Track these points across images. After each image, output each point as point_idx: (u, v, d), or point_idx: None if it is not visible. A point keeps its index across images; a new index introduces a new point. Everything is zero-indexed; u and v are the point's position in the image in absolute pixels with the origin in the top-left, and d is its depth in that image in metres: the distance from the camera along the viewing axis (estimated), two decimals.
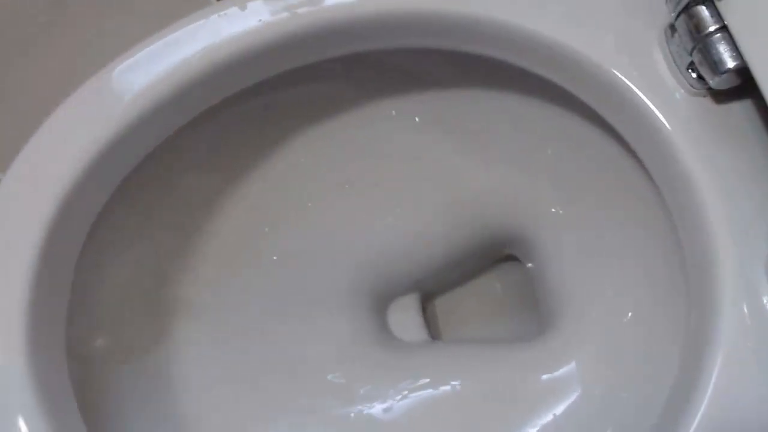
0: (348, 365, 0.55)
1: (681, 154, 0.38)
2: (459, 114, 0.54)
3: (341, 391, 0.54)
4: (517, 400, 0.53)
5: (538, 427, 0.51)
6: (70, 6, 0.72)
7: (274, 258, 0.56)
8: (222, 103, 0.45)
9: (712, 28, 0.36)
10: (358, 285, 0.58)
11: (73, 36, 0.73)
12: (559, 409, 0.51)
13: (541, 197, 0.56)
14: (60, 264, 0.41)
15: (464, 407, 0.53)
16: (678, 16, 0.38)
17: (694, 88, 0.39)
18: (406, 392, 0.54)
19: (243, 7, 0.41)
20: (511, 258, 0.64)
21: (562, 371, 0.52)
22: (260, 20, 0.41)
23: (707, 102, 0.39)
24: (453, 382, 0.54)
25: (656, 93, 0.39)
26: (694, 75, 0.39)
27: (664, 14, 0.39)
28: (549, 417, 0.51)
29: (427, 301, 0.65)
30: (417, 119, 0.55)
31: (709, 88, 0.39)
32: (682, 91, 0.39)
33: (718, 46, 0.36)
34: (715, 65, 0.36)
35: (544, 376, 0.52)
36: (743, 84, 0.38)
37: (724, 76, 0.36)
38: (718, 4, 0.36)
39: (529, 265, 0.61)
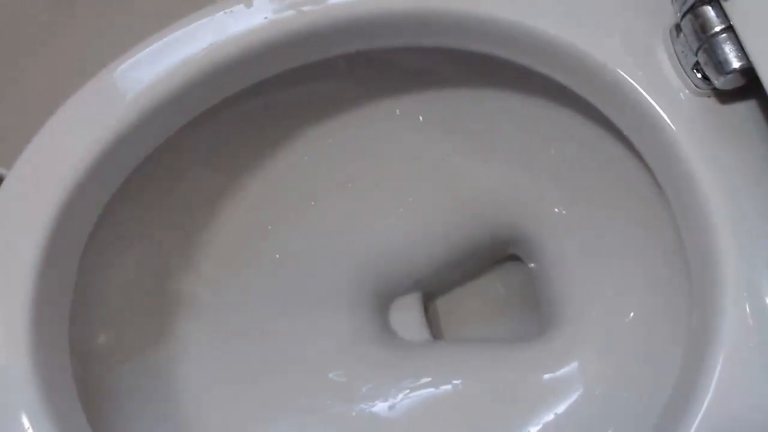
0: (349, 364, 0.55)
1: (685, 154, 0.39)
2: (462, 113, 0.54)
3: (343, 390, 0.54)
4: (519, 399, 0.53)
5: (539, 427, 0.51)
6: (72, 5, 0.72)
7: (276, 257, 0.56)
8: (224, 101, 0.45)
9: (717, 29, 0.36)
10: (359, 284, 0.58)
11: (75, 35, 0.73)
12: (561, 409, 0.51)
13: (544, 197, 0.56)
14: (63, 263, 0.41)
15: (466, 406, 0.53)
16: (684, 16, 0.38)
17: (698, 88, 0.39)
18: (408, 391, 0.54)
19: (249, 5, 0.41)
20: (513, 258, 0.65)
21: (563, 371, 0.52)
22: (266, 18, 0.41)
23: (712, 102, 0.39)
24: (454, 381, 0.54)
25: (661, 93, 0.39)
26: (699, 75, 0.39)
27: (670, 14, 0.40)
28: (550, 416, 0.51)
29: (428, 300, 0.65)
30: (420, 118, 0.55)
31: (714, 89, 0.39)
32: (687, 91, 0.39)
33: (723, 46, 0.36)
34: (721, 65, 0.36)
35: (546, 376, 0.53)
36: (748, 84, 0.38)
37: (729, 76, 0.37)
38: (724, 5, 0.36)
39: (532, 265, 0.61)
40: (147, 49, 0.42)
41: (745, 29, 0.35)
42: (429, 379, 0.55)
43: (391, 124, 0.54)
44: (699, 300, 0.39)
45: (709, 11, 0.37)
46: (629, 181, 0.50)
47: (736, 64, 0.36)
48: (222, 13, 0.42)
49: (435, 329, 0.64)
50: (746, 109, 0.39)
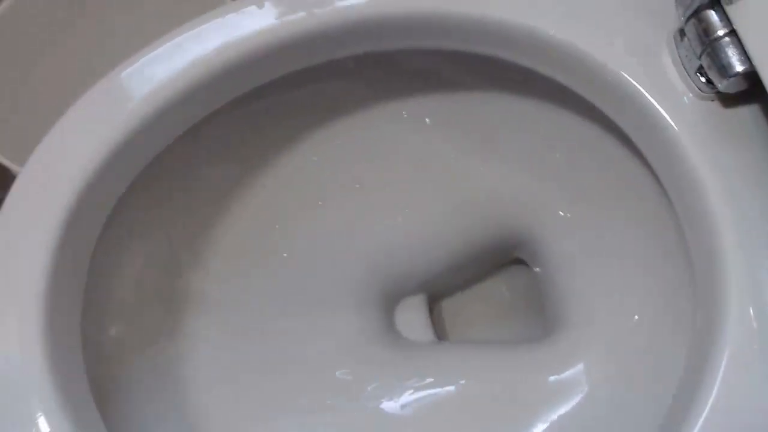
0: (355, 363, 0.55)
1: (689, 157, 0.39)
2: (469, 116, 0.54)
3: (348, 389, 0.54)
4: (523, 400, 0.53)
5: (543, 429, 0.51)
6: (83, 5, 0.72)
7: (284, 256, 0.56)
8: (233, 101, 0.45)
9: (721, 32, 0.37)
10: (366, 284, 0.58)
11: (85, 35, 0.73)
12: (566, 411, 0.51)
13: (549, 200, 0.56)
14: (74, 260, 0.41)
15: (470, 407, 0.53)
16: (687, 20, 0.38)
17: (702, 91, 0.39)
18: (413, 391, 0.54)
19: (260, 6, 0.42)
20: (518, 262, 0.65)
21: (568, 373, 0.52)
22: (277, 19, 0.41)
23: (715, 106, 0.40)
24: (459, 382, 0.54)
25: (665, 96, 0.40)
26: (702, 79, 0.39)
27: (674, 18, 0.40)
28: (555, 418, 0.51)
29: (434, 302, 0.65)
30: (428, 120, 0.55)
31: (718, 92, 0.39)
32: (691, 94, 0.40)
33: (726, 50, 0.37)
34: (724, 69, 0.37)
35: (551, 378, 0.53)
36: (751, 88, 0.38)
37: (732, 79, 0.37)
38: (727, 9, 0.36)
39: (537, 269, 0.61)
40: (158, 50, 0.42)
41: (748, 33, 0.35)
42: (434, 379, 0.55)
43: (398, 125, 0.55)
44: (703, 300, 0.39)
45: (713, 15, 0.37)
46: (635, 185, 0.50)
47: (739, 67, 0.36)
48: (233, 13, 0.42)
49: (440, 331, 0.64)
50: (749, 112, 0.40)
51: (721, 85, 0.37)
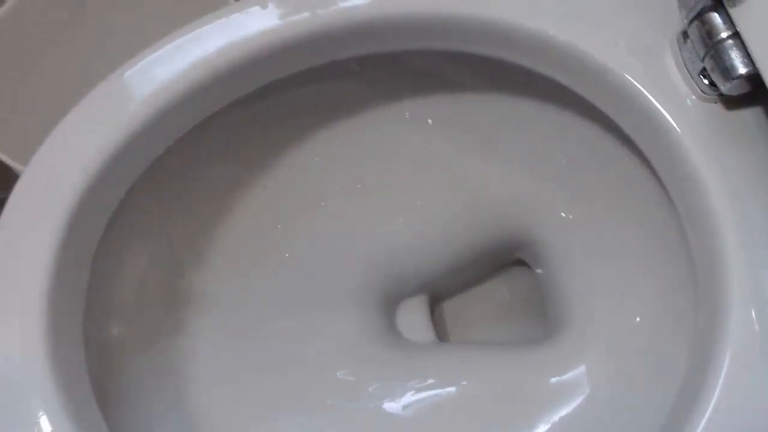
0: (356, 363, 0.55)
1: (691, 158, 0.39)
2: (471, 116, 0.54)
3: (350, 389, 0.54)
4: (525, 402, 0.53)
5: (544, 430, 0.51)
6: (83, 5, 0.72)
7: (286, 256, 0.56)
8: (236, 101, 0.45)
9: (724, 35, 0.37)
10: (367, 284, 0.58)
11: (88, 35, 0.73)
12: (567, 412, 0.51)
13: (551, 201, 0.56)
14: (77, 259, 0.41)
15: (471, 408, 0.54)
16: (691, 22, 0.38)
17: (705, 94, 0.39)
18: (414, 391, 0.54)
19: (264, 6, 0.42)
20: (519, 263, 0.65)
21: (570, 374, 0.52)
22: (280, 19, 0.41)
23: (718, 108, 0.40)
24: (461, 383, 0.54)
25: (668, 98, 0.40)
26: (705, 81, 0.39)
27: (677, 21, 0.40)
28: (556, 419, 0.51)
29: (435, 303, 0.65)
30: (430, 121, 0.55)
31: (721, 95, 0.39)
32: (694, 96, 0.40)
33: (730, 52, 0.37)
34: (727, 71, 0.37)
35: (553, 379, 0.53)
36: (753, 90, 0.38)
37: (735, 82, 0.37)
38: (731, 11, 0.36)
39: (539, 270, 0.61)
40: (161, 50, 0.42)
41: (751, 35, 0.35)
42: (435, 380, 0.55)
43: (400, 126, 0.55)
44: (705, 301, 0.40)
45: (716, 18, 0.37)
46: (637, 186, 0.50)
47: (742, 70, 0.36)
48: (237, 14, 0.42)
49: (441, 332, 0.64)
50: (752, 114, 0.40)
51: (724, 87, 0.37)
